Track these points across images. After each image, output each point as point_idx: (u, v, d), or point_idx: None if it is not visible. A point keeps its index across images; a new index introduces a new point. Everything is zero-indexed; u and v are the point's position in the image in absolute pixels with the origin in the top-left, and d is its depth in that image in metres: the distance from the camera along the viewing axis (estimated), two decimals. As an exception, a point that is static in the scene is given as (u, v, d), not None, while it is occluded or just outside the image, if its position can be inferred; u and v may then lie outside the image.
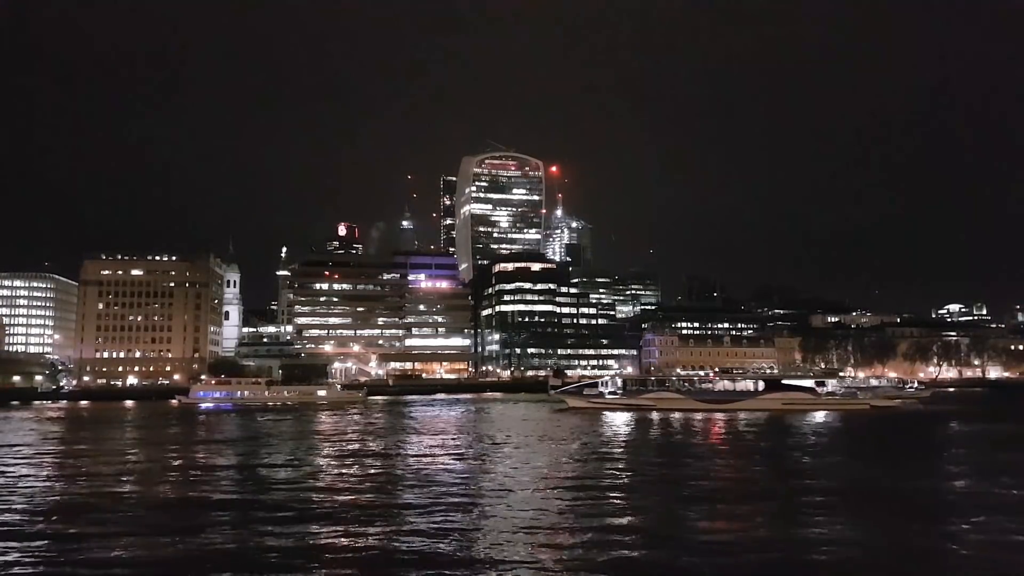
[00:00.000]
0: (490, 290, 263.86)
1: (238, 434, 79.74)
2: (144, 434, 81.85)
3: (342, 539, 29.69)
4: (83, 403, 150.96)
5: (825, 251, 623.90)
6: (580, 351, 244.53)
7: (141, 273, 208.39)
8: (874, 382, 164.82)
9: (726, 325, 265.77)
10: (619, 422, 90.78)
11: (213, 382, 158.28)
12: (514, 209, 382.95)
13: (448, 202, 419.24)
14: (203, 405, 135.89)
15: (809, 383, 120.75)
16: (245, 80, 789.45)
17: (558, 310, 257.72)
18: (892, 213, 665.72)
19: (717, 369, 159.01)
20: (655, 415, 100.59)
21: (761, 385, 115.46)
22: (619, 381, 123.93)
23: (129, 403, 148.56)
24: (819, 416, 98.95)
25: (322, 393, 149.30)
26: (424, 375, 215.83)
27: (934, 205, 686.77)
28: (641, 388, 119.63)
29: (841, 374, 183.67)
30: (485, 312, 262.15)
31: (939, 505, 37.08)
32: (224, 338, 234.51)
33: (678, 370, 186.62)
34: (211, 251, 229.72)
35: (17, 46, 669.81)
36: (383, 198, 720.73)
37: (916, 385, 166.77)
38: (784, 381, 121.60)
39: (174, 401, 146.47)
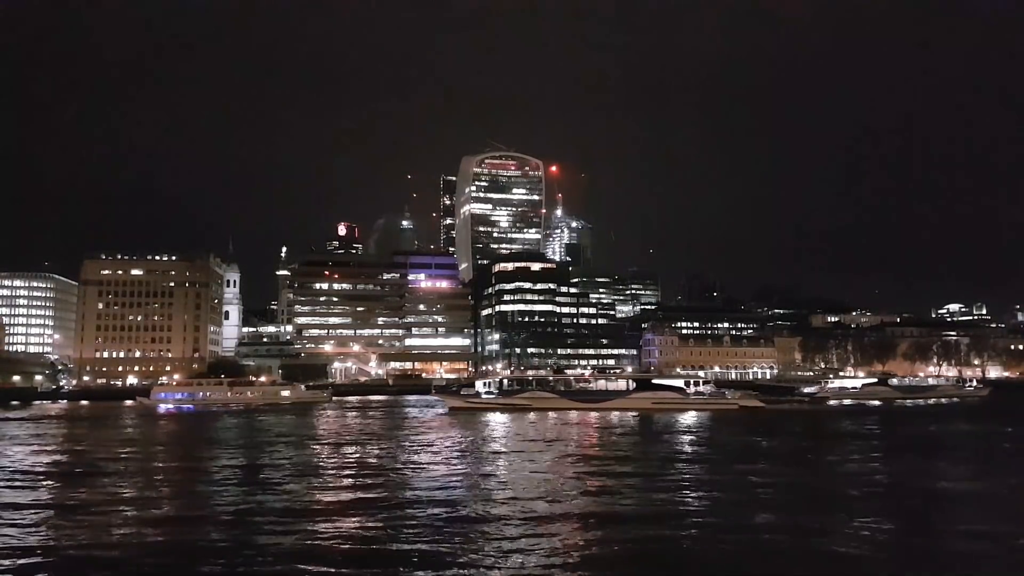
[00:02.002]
0: (490, 290, 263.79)
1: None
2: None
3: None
4: (83, 403, 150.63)
5: (825, 251, 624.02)
6: (580, 351, 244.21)
7: (141, 273, 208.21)
8: (931, 381, 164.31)
9: (726, 325, 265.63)
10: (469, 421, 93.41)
11: (174, 383, 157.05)
12: (514, 209, 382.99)
13: (448, 202, 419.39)
14: (162, 407, 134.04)
15: (679, 383, 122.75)
16: (245, 80, 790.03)
17: (558, 310, 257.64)
18: (892, 213, 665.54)
19: (590, 370, 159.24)
20: (532, 415, 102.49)
21: (632, 385, 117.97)
22: (497, 381, 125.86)
23: (129, 403, 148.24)
24: (688, 416, 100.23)
25: (286, 393, 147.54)
26: (424, 375, 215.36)
27: (934, 205, 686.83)
28: (518, 388, 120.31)
29: (904, 375, 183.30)
30: (485, 312, 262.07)
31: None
32: (224, 338, 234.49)
33: (678, 369, 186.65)
34: (211, 251, 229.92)
35: (17, 45, 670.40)
36: (383, 198, 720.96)
37: (976, 384, 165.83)
38: (654, 381, 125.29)
39: (130, 402, 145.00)
